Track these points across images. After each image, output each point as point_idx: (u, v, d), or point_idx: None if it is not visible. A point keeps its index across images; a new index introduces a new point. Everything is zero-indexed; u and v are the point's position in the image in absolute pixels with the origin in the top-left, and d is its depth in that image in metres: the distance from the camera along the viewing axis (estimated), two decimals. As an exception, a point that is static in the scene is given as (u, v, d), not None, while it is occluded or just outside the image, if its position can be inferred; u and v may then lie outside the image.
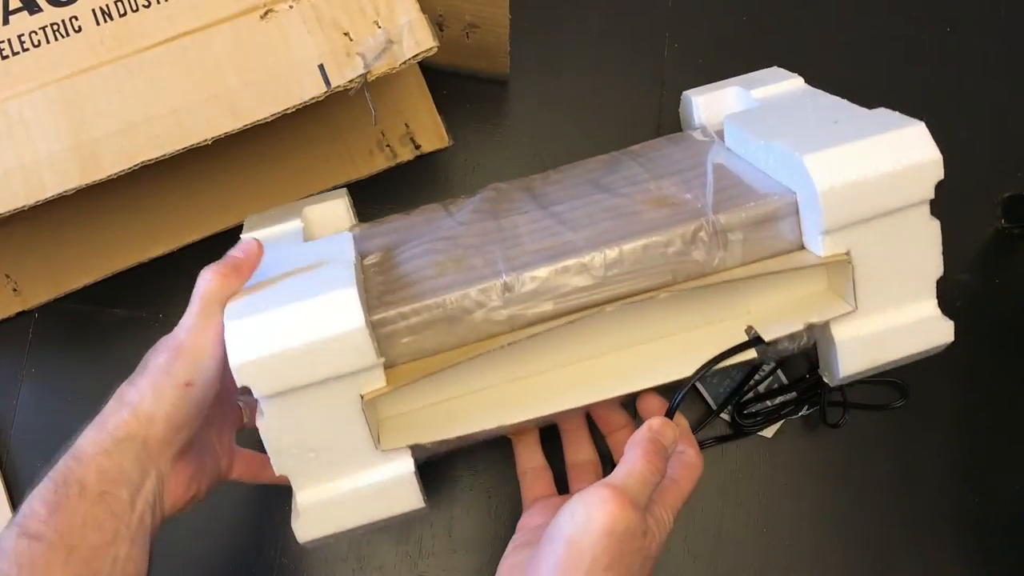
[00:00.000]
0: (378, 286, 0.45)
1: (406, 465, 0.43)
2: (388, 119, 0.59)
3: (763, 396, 0.57)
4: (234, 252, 0.44)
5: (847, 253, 0.42)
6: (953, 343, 0.59)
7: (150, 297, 0.60)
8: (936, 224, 0.43)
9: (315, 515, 0.42)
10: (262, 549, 0.57)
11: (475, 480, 0.58)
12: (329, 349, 0.40)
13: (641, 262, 0.44)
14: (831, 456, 0.58)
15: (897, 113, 0.44)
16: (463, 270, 0.44)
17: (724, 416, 0.58)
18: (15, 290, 0.58)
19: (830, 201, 0.41)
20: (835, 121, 0.45)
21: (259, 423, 0.41)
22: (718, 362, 0.44)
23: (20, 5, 0.47)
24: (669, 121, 0.62)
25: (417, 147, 0.60)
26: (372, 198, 0.54)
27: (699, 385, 0.58)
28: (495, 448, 0.58)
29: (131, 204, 0.57)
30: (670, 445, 0.41)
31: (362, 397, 0.41)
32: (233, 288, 0.43)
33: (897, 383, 0.58)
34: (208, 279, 0.42)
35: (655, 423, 0.42)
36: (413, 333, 0.43)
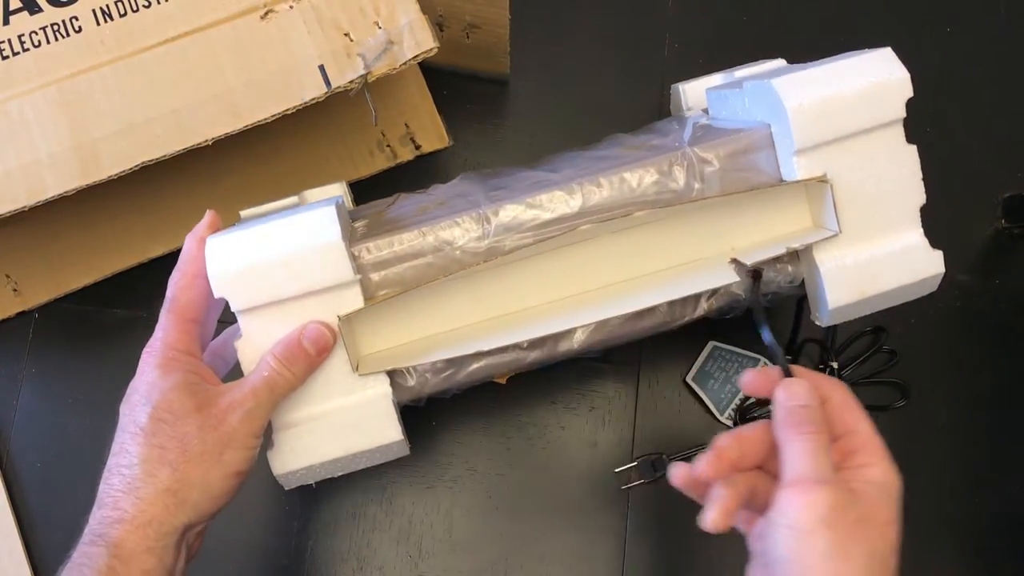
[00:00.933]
0: (362, 231, 0.45)
1: (384, 393, 0.43)
2: (388, 119, 0.59)
3: (765, 402, 0.57)
4: (305, 343, 0.41)
5: (823, 175, 0.43)
6: (954, 343, 0.60)
7: (150, 297, 0.60)
8: (913, 149, 0.43)
9: (291, 445, 0.42)
10: (263, 550, 0.57)
11: (475, 481, 0.58)
12: (305, 262, 0.40)
13: (619, 192, 0.44)
14: (831, 456, 0.58)
15: (866, 49, 0.44)
16: (445, 209, 0.45)
17: (727, 422, 0.58)
18: (15, 290, 0.58)
19: (800, 119, 0.41)
20: (806, 64, 0.46)
21: (236, 342, 0.42)
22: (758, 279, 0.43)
23: (20, 5, 0.47)
24: (669, 121, 0.62)
25: (417, 147, 0.60)
26: (372, 198, 0.54)
27: (699, 391, 0.58)
28: (495, 448, 0.58)
29: (131, 204, 0.57)
30: (807, 399, 0.37)
31: (339, 318, 0.41)
32: (295, 386, 0.41)
33: (898, 383, 0.58)
34: (275, 369, 0.40)
35: (779, 396, 0.38)
36: (392, 264, 0.43)
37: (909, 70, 0.43)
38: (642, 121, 0.63)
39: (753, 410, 0.57)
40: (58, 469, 0.58)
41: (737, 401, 0.58)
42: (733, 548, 0.57)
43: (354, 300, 0.42)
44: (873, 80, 0.42)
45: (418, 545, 0.57)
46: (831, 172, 0.42)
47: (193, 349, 0.41)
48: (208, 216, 0.45)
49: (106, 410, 0.58)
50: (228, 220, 0.58)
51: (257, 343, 0.41)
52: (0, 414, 0.59)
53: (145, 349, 0.42)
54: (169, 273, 0.59)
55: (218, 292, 0.40)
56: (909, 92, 0.42)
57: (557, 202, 0.44)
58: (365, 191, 0.57)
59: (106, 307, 0.60)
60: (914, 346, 0.58)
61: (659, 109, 0.63)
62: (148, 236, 0.58)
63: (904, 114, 0.42)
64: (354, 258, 0.42)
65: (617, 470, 0.57)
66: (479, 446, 0.58)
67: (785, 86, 0.42)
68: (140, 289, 0.59)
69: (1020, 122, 0.64)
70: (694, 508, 0.57)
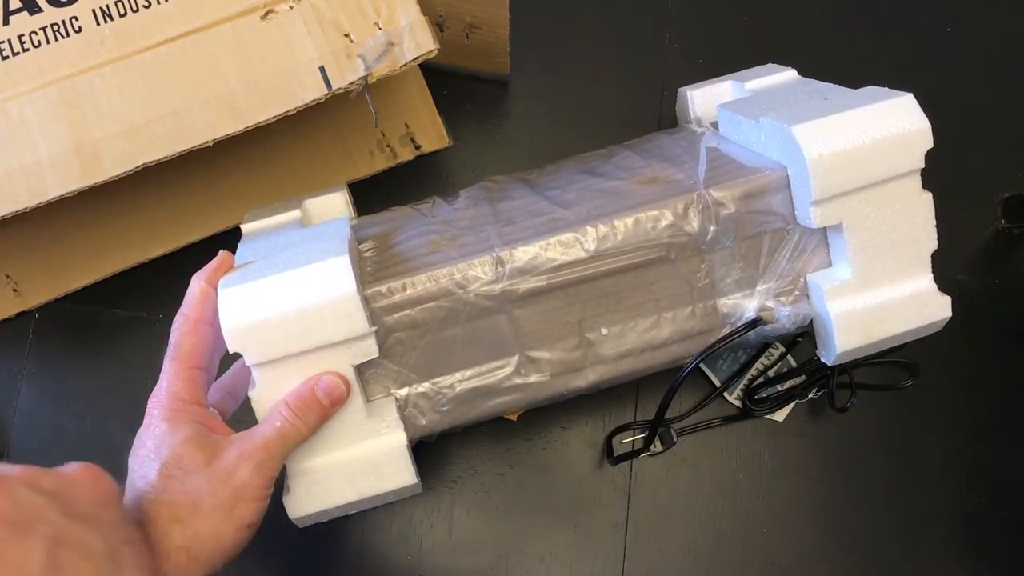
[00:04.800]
0: (372, 265, 0.45)
1: (398, 438, 0.43)
2: (388, 119, 0.59)
3: (773, 381, 0.58)
4: (319, 394, 0.41)
5: (839, 223, 0.42)
6: (953, 343, 0.60)
7: (150, 297, 0.60)
8: (928, 196, 0.43)
9: (307, 490, 0.42)
10: (263, 550, 0.57)
11: (475, 480, 0.58)
12: (320, 315, 0.40)
13: (633, 236, 0.44)
14: (831, 456, 0.58)
15: (886, 88, 0.44)
16: (457, 247, 0.45)
17: (735, 402, 0.58)
18: (15, 290, 0.58)
19: (819, 170, 0.41)
20: (825, 98, 0.45)
21: (251, 392, 0.41)
22: (714, 348, 0.45)
23: (20, 5, 0.47)
24: (669, 121, 0.62)
25: (417, 147, 0.60)
26: (372, 198, 0.54)
27: (708, 372, 0.59)
28: (495, 448, 0.58)
29: (131, 204, 0.57)
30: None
31: (355, 368, 0.41)
32: (307, 437, 0.41)
33: (907, 363, 0.58)
34: (288, 420, 0.40)
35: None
36: (405, 307, 0.43)
37: (909, 69, 0.43)
38: (642, 121, 0.63)
39: (761, 390, 0.57)
40: (58, 469, 0.58)
41: (745, 381, 0.58)
42: (733, 550, 0.57)
43: (369, 350, 0.41)
44: (894, 131, 0.41)
45: (418, 545, 0.57)
46: (847, 220, 0.42)
47: (199, 398, 0.41)
48: (219, 258, 0.44)
49: (106, 410, 0.59)
50: (228, 220, 0.58)
51: (272, 395, 0.41)
52: (0, 414, 0.59)
53: (151, 399, 0.41)
54: (169, 273, 0.59)
55: (233, 347, 0.40)
56: (929, 143, 0.42)
57: (571, 245, 0.43)
58: (365, 191, 0.57)
59: (106, 307, 0.60)
60: (913, 346, 0.58)
61: (659, 109, 0.63)
62: (148, 236, 0.58)
63: (923, 164, 0.42)
64: (368, 303, 0.42)
65: (625, 440, 0.57)
66: (479, 446, 0.58)
67: (806, 134, 0.41)
68: (140, 289, 0.59)
69: (1020, 122, 0.64)
70: (695, 509, 0.57)
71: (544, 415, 0.58)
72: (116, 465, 0.60)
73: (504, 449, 0.58)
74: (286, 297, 0.40)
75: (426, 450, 0.58)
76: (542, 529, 0.57)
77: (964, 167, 0.62)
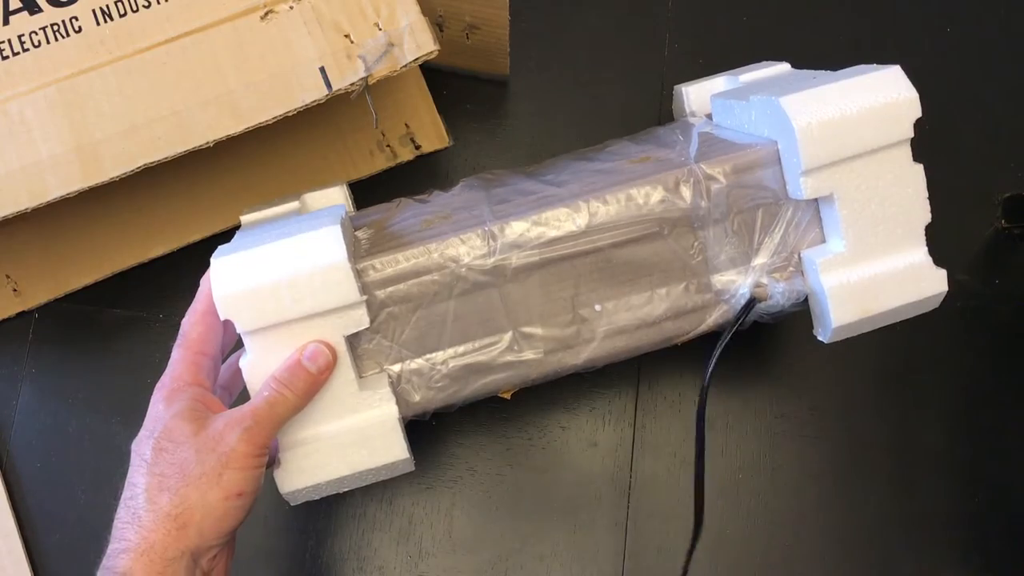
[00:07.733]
0: (366, 244, 0.45)
1: (389, 411, 0.43)
2: (388, 119, 0.59)
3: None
4: (305, 362, 0.41)
5: (830, 195, 0.43)
6: (953, 343, 0.60)
7: (150, 297, 0.60)
8: (919, 168, 0.43)
9: (298, 464, 0.43)
10: (263, 550, 0.57)
11: (475, 480, 0.58)
12: (311, 283, 0.40)
13: (626, 210, 0.44)
14: (831, 456, 0.58)
15: (874, 64, 0.44)
16: (450, 224, 0.45)
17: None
18: (15, 290, 0.58)
19: (808, 139, 0.41)
20: (814, 78, 0.45)
21: (242, 362, 0.42)
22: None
23: (20, 5, 0.47)
24: (668, 121, 0.62)
25: (417, 147, 0.60)
26: (372, 198, 0.54)
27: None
28: (495, 448, 0.58)
29: (131, 205, 0.57)
30: None
31: (346, 340, 0.42)
32: (297, 406, 0.41)
33: None
34: (275, 389, 0.40)
35: None
36: (398, 282, 0.43)
37: (909, 69, 0.43)
38: (642, 121, 0.63)
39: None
40: (58, 469, 0.58)
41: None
42: (733, 550, 0.57)
43: (360, 320, 0.42)
44: (882, 100, 0.41)
45: (418, 545, 0.57)
46: (838, 191, 0.42)
47: (201, 379, 0.42)
48: None
49: (106, 410, 0.59)
50: (228, 220, 0.58)
51: (263, 364, 0.41)
52: (0, 414, 0.59)
53: (156, 386, 0.42)
54: (169, 273, 0.59)
55: (224, 314, 0.40)
56: (918, 112, 0.42)
57: (563, 219, 0.44)
58: (365, 191, 0.57)
59: (106, 307, 0.60)
60: (913, 346, 0.58)
61: (659, 109, 0.63)
62: (148, 236, 0.58)
63: (912, 134, 0.42)
64: (359, 276, 0.42)
65: None
66: (479, 446, 0.58)
67: (793, 105, 0.42)
68: (140, 289, 0.60)
69: (1020, 122, 0.64)
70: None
71: (544, 415, 0.59)
72: (116, 464, 0.60)
73: (504, 449, 0.58)
74: (277, 265, 0.40)
75: (426, 451, 0.58)
76: (542, 529, 0.57)
77: (964, 167, 0.62)
